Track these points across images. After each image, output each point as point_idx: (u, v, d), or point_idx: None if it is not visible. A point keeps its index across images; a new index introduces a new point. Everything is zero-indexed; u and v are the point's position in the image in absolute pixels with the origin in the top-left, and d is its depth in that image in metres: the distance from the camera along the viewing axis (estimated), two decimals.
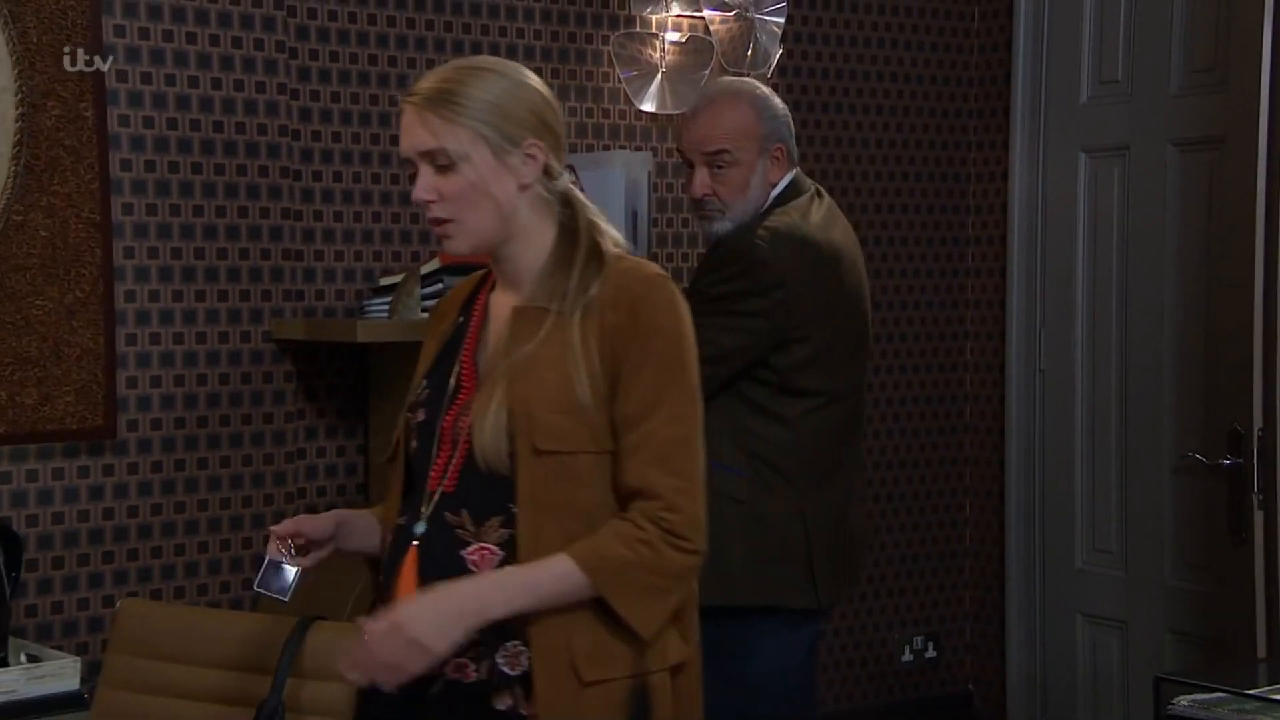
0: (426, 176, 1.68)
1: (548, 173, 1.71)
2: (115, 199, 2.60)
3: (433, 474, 1.69)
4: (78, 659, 2.29)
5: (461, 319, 1.78)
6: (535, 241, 1.71)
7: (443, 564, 1.64)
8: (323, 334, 2.77)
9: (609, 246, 1.72)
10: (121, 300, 2.62)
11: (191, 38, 2.68)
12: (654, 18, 3.16)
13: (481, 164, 1.67)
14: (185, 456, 2.70)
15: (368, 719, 1.72)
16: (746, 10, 3.19)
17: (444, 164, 1.67)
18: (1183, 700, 1.97)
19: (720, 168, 2.40)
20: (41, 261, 2.50)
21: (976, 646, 3.68)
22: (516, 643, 1.64)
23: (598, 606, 1.63)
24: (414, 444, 1.73)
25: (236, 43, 2.72)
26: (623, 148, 3.15)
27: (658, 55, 3.17)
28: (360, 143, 2.90)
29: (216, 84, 2.70)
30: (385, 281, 2.84)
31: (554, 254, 1.71)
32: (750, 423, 2.36)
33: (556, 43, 3.11)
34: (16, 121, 2.46)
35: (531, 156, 1.69)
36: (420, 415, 1.73)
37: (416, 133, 1.68)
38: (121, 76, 2.60)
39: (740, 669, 2.42)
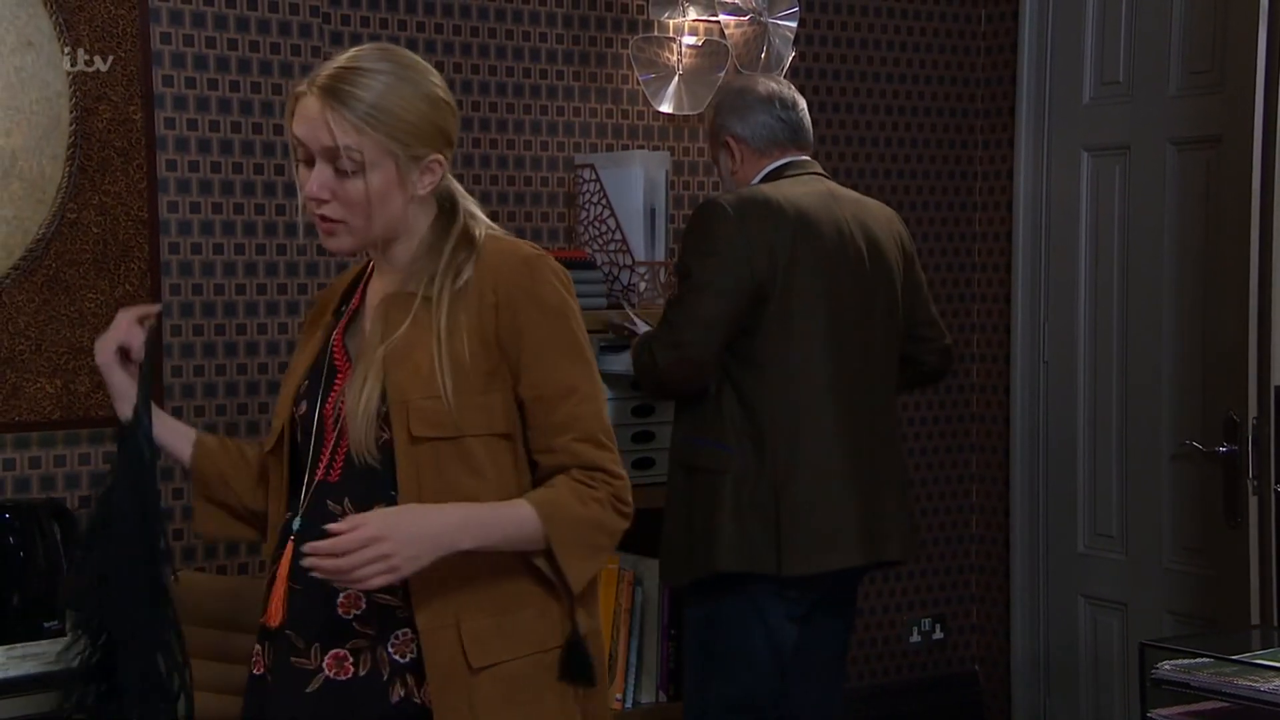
0: (324, 174, 1.62)
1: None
2: (162, 197, 2.72)
3: (320, 463, 1.67)
4: None
5: (342, 307, 1.77)
6: (415, 233, 1.70)
7: None
8: None
9: (480, 230, 1.70)
10: (168, 293, 2.75)
11: (233, 44, 2.81)
12: (671, 22, 3.26)
13: (385, 177, 1.63)
14: None
15: (250, 715, 1.68)
16: (760, 14, 3.28)
17: (345, 168, 1.62)
18: (1166, 665, 2.05)
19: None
20: (93, 257, 2.63)
21: (982, 628, 3.77)
22: (406, 630, 1.62)
23: (488, 590, 1.61)
24: (299, 437, 1.71)
25: (275, 48, 2.85)
26: (641, 148, 3.25)
27: (675, 58, 3.27)
28: None
29: (256, 88, 2.83)
30: None
31: (427, 240, 1.69)
32: (727, 399, 2.48)
33: (578, 46, 3.22)
34: (70, 125, 2.59)
35: (431, 170, 1.67)
36: (303, 408, 1.71)
37: (322, 128, 1.61)
38: (167, 81, 2.73)
39: (707, 639, 2.54)
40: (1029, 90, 3.59)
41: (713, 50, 3.29)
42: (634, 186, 3.01)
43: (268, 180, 2.86)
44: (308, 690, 1.62)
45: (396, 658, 1.62)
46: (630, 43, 3.24)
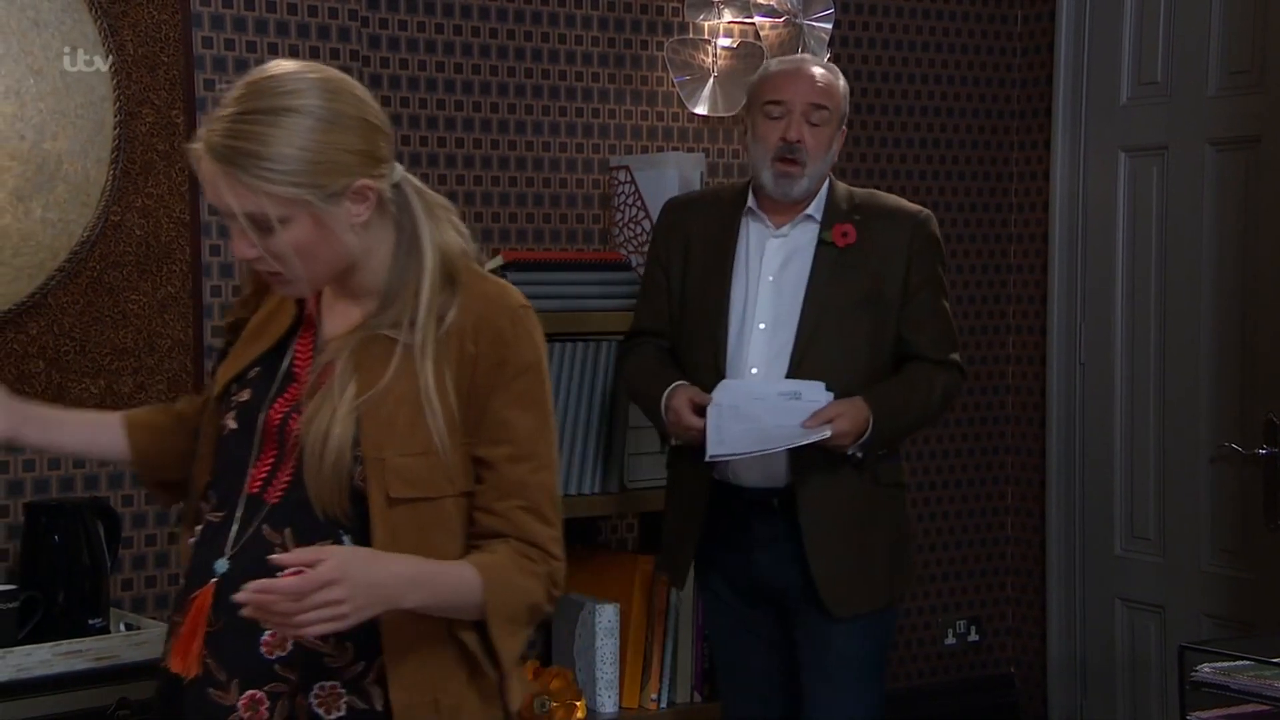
0: (241, 233, 1.48)
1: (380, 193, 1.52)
2: (203, 200, 2.73)
3: (254, 474, 1.54)
4: None
5: (296, 310, 1.60)
6: (375, 255, 1.54)
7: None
8: None
9: (458, 259, 1.55)
10: (208, 295, 2.77)
11: (273, 48, 2.83)
12: (706, 24, 3.27)
13: (303, 228, 1.47)
14: None
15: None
16: (795, 16, 3.29)
17: (263, 226, 1.47)
18: (1205, 668, 2.04)
19: (815, 124, 2.44)
20: (136, 258, 2.66)
21: (1018, 630, 3.76)
22: (334, 683, 1.50)
23: (460, 659, 1.52)
24: (231, 424, 1.57)
25: (314, 52, 2.87)
26: (676, 149, 3.26)
27: (710, 60, 3.28)
28: (427, 145, 3.05)
29: None
30: None
31: (396, 268, 1.53)
32: None
33: (614, 49, 3.23)
34: (115, 129, 2.62)
35: (362, 196, 1.50)
36: (245, 395, 1.57)
37: (220, 194, 1.46)
38: (209, 85, 2.76)
39: (879, 659, 2.52)
40: (1066, 90, 3.58)
41: (748, 52, 3.29)
42: (669, 188, 3.02)
43: None
44: None
45: (319, 711, 1.49)
46: (665, 45, 3.25)
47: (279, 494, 1.52)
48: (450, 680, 1.52)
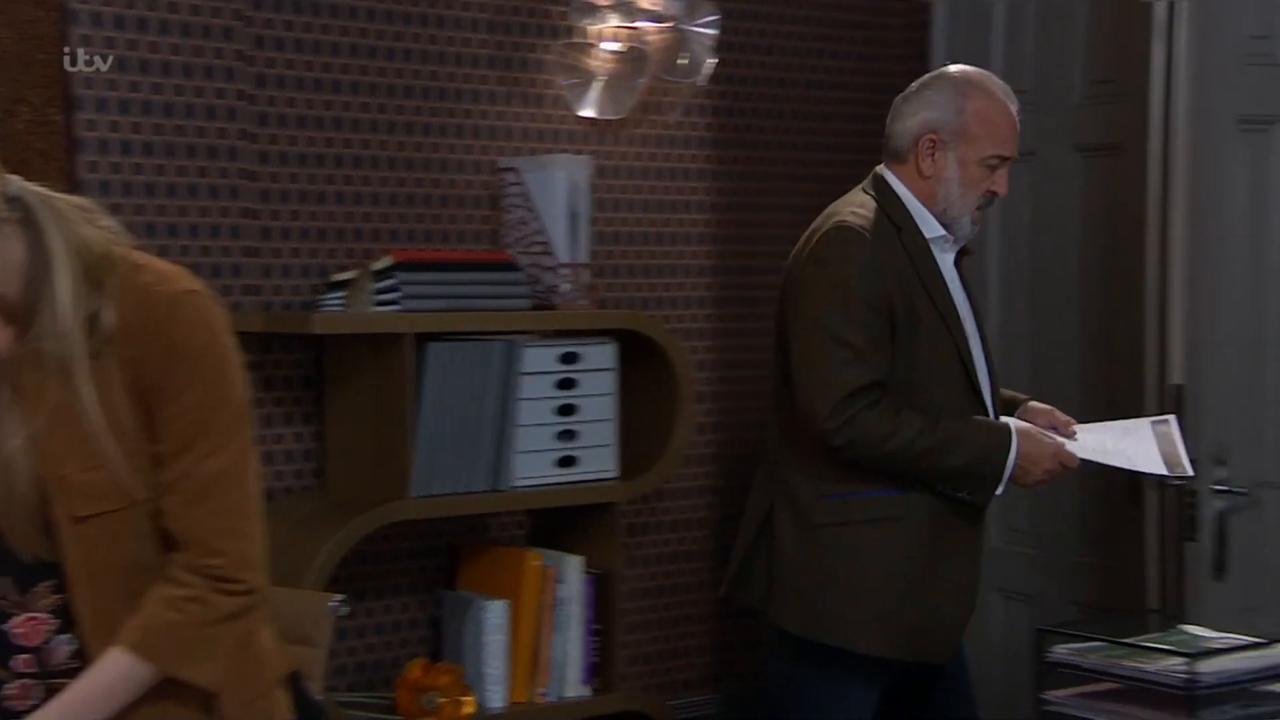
0: None
1: None
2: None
3: None
4: None
5: None
6: (9, 276, 1.46)
7: None
8: (280, 326, 2.91)
9: (103, 258, 1.49)
10: None
11: (154, 46, 2.82)
12: (592, 28, 3.33)
13: None
14: None
15: None
16: (679, 22, 3.36)
17: None
18: (1060, 649, 2.14)
19: None
20: None
21: None
22: None
23: (169, 687, 1.49)
24: None
25: (197, 51, 2.86)
26: (564, 151, 3.32)
27: (596, 64, 3.34)
28: (314, 145, 3.05)
29: (179, 90, 2.84)
30: (339, 277, 2.99)
31: (29, 284, 1.46)
32: None
33: (502, 51, 3.27)
34: None
35: None
36: None
37: None
38: (88, 83, 2.74)
39: None
40: None
41: (633, 56, 3.35)
42: (557, 189, 3.06)
43: (191, 182, 2.88)
44: None
45: None
46: (552, 48, 3.30)
47: None
48: (166, 705, 1.50)
